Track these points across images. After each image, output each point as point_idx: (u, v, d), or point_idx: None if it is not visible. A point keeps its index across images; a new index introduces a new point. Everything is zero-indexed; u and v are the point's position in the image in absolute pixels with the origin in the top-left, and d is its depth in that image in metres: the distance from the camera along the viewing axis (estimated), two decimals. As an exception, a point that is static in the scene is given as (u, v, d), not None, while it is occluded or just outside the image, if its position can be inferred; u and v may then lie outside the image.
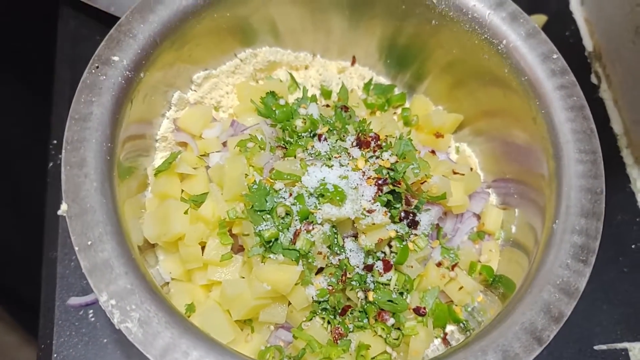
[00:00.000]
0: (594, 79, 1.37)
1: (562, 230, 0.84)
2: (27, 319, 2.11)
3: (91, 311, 1.06)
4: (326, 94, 1.16)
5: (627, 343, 1.12)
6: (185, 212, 0.93)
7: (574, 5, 1.44)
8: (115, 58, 0.88)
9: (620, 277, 1.18)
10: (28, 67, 1.50)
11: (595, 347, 1.11)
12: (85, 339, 1.04)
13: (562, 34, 1.42)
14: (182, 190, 0.99)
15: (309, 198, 0.90)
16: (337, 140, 1.00)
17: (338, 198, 0.89)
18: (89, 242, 0.77)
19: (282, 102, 1.08)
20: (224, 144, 1.05)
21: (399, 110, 1.18)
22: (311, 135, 1.02)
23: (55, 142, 1.19)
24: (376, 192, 0.92)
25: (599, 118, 1.33)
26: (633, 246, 1.20)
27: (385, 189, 0.92)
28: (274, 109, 1.07)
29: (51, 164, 1.17)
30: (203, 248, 0.94)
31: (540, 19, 1.39)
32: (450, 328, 0.99)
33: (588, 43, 1.40)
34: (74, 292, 1.07)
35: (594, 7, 1.40)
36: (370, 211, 0.90)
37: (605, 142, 1.28)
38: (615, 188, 1.26)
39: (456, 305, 1.00)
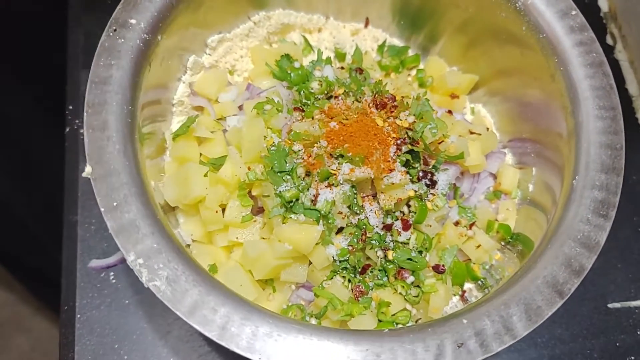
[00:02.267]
0: (609, 40, 1.36)
1: (582, 186, 0.84)
2: (40, 289, 2.14)
3: (112, 273, 1.07)
4: (340, 56, 1.15)
5: (641, 301, 1.13)
6: (205, 175, 0.94)
7: (589, -35, 1.42)
8: (133, 21, 0.88)
9: (635, 236, 1.19)
10: (40, 32, 1.49)
11: (609, 305, 1.13)
12: (107, 300, 1.05)
13: (576, -6, 1.41)
14: (201, 154, 0.99)
15: (328, 158, 0.90)
16: (353, 102, 1.00)
17: (357, 158, 0.89)
18: (115, 204, 0.78)
19: (297, 64, 1.08)
20: (240, 107, 1.05)
21: (414, 72, 1.18)
22: (327, 97, 1.03)
23: (70, 107, 1.19)
24: (395, 152, 0.92)
25: (615, 79, 1.33)
26: (648, 205, 1.21)
27: (404, 148, 0.93)
28: (289, 71, 1.07)
29: (68, 129, 1.17)
30: (223, 210, 0.95)
31: (554, -22, 1.38)
32: (468, 286, 1.01)
33: (603, 3, 1.39)
34: (95, 255, 1.08)
35: (608, -35, 1.38)
36: (390, 170, 0.91)
37: (620, 103, 1.30)
38: (631, 148, 1.24)
39: (474, 263, 1.01)
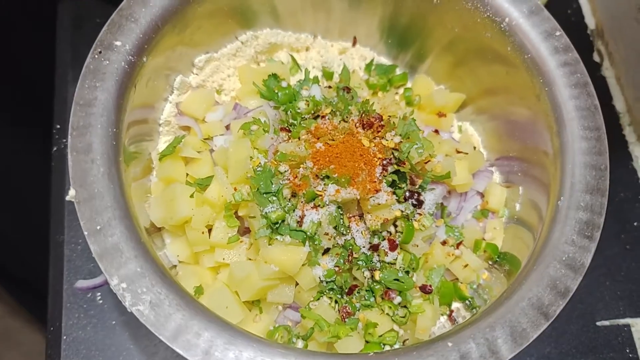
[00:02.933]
0: (596, 57, 1.37)
1: (567, 206, 0.84)
2: (30, 302, 2.13)
3: (99, 294, 1.07)
4: (328, 75, 1.16)
5: (630, 319, 1.13)
6: (191, 196, 0.94)
7: (575, -17, 1.44)
8: (118, 43, 0.88)
9: (623, 253, 1.19)
10: (28, 51, 1.49)
11: (598, 323, 1.12)
12: (93, 321, 1.05)
13: (564, 12, 1.42)
14: (187, 174, 0.99)
15: (314, 179, 0.90)
16: (340, 122, 1.00)
17: (343, 179, 0.89)
18: (98, 227, 0.77)
19: (284, 84, 1.08)
20: (227, 127, 1.05)
21: (401, 90, 1.18)
22: (314, 117, 1.03)
23: (58, 126, 1.19)
24: (381, 172, 0.92)
25: (601, 96, 1.31)
26: (635, 223, 1.21)
27: (390, 169, 0.93)
28: (276, 91, 1.07)
29: (55, 149, 1.17)
30: (209, 231, 0.94)
31: (542, -3, 1.39)
32: (456, 305, 1.01)
33: (590, 21, 1.40)
34: (81, 275, 1.08)
35: (595, -17, 1.39)
36: (376, 191, 0.91)
37: (607, 120, 1.28)
38: (618, 166, 1.27)
39: (462, 282, 1.01)
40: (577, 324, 1.12)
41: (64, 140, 1.17)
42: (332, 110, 1.03)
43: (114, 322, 1.06)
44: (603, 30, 1.36)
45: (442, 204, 1.04)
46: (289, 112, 1.02)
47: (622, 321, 1.13)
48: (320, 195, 0.90)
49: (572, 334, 1.11)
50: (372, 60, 1.19)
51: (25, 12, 1.45)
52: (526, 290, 0.79)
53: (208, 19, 1.03)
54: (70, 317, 1.05)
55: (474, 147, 1.09)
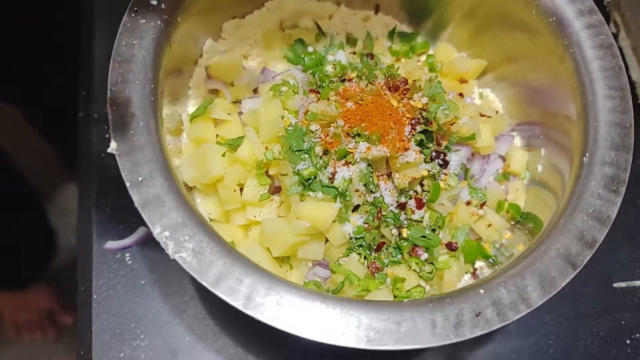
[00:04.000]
0: (612, 28, 1.38)
1: (592, 162, 0.87)
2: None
3: (128, 254, 1.09)
4: (352, 42, 1.17)
5: (646, 280, 1.16)
6: (223, 155, 0.96)
7: (591, -46, 1.45)
8: (154, 2, 0.89)
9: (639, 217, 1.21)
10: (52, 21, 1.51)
11: (615, 285, 1.15)
12: (123, 280, 1.07)
13: (579, -17, 1.43)
14: (217, 135, 1.01)
15: (345, 137, 0.93)
16: (367, 85, 1.02)
17: (374, 137, 0.92)
18: (140, 178, 0.80)
19: (310, 49, 1.10)
20: (255, 90, 1.07)
21: (423, 58, 1.20)
22: (341, 80, 1.05)
23: (84, 93, 1.21)
24: (410, 132, 0.94)
25: None
26: (651, 188, 1.24)
27: (418, 128, 0.95)
28: (302, 56, 1.09)
29: (81, 114, 1.19)
30: (241, 189, 0.97)
31: (558, -31, 1.40)
32: (479, 264, 1.03)
33: (606, -8, 1.42)
34: (110, 237, 1.10)
35: (611, -45, 1.41)
36: (405, 150, 0.93)
37: None
38: (635, 132, 1.29)
39: (485, 242, 1.03)
40: (594, 285, 1.15)
41: (90, 105, 1.19)
42: (358, 74, 1.05)
43: (143, 282, 1.08)
44: (619, 0, 1.38)
45: (465, 165, 1.06)
46: (316, 75, 1.04)
47: (638, 283, 1.16)
48: (352, 153, 0.92)
49: (589, 294, 1.14)
50: (395, 28, 1.21)
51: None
52: (554, 241, 0.82)
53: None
54: (100, 277, 1.08)
55: (496, 112, 1.11)
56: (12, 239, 1.91)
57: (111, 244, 1.09)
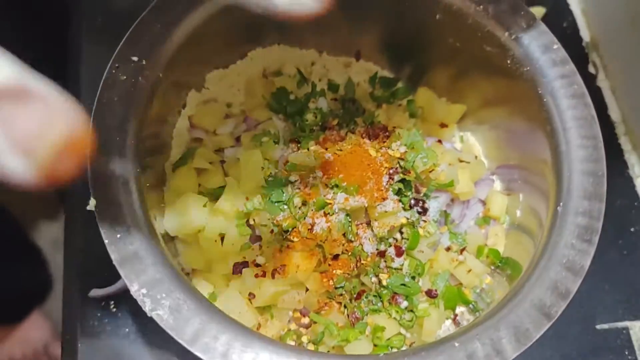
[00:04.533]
0: (591, 69, 1.40)
1: (566, 212, 0.88)
2: None
3: (112, 302, 1.09)
4: (333, 88, 1.19)
5: (628, 322, 1.16)
6: (204, 205, 0.97)
7: (571, -3, 1.48)
8: (135, 58, 0.91)
9: (621, 259, 1.22)
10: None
11: (598, 327, 1.15)
12: (108, 328, 1.07)
13: (559, 25, 1.46)
14: (199, 185, 1.03)
15: (323, 188, 0.94)
16: (347, 133, 1.04)
17: (352, 188, 0.93)
18: (118, 235, 0.81)
19: (292, 97, 1.12)
20: (238, 139, 1.09)
21: (404, 102, 1.22)
22: (322, 128, 1.07)
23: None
24: (388, 181, 0.96)
25: (597, 106, 1.35)
26: (632, 229, 1.25)
27: (396, 177, 0.97)
28: (284, 104, 1.11)
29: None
30: (222, 239, 0.98)
31: (539, 11, 1.43)
32: (460, 309, 1.04)
33: (585, 34, 1.44)
34: (95, 284, 1.10)
35: (589, -2, 1.44)
36: (383, 199, 0.94)
37: (603, 129, 1.32)
38: (614, 174, 1.29)
39: (465, 287, 1.04)
40: (578, 328, 1.15)
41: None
42: (338, 121, 1.07)
43: (127, 330, 1.08)
44: (598, 43, 1.41)
45: (445, 211, 1.08)
46: (297, 124, 1.06)
47: (620, 324, 1.16)
48: (330, 204, 0.93)
49: (573, 337, 1.14)
50: (376, 74, 1.23)
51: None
52: (528, 292, 0.82)
53: (221, 35, 1.06)
54: (85, 326, 1.08)
55: (475, 157, 1.12)
56: (4, 273, 1.91)
57: (96, 292, 1.10)
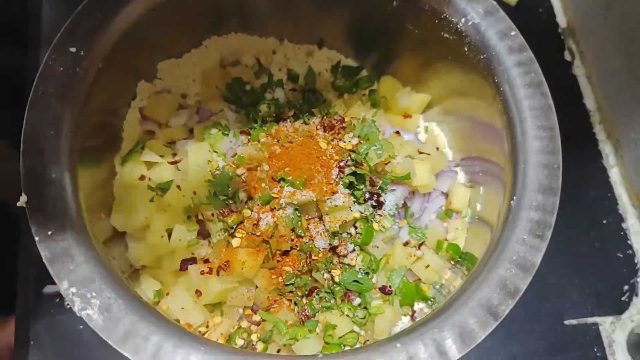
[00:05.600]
0: (567, 56, 1.36)
1: (519, 206, 0.84)
2: None
3: (66, 299, 1.07)
4: (293, 78, 1.16)
5: (598, 317, 1.13)
6: (151, 200, 0.95)
7: (547, -18, 1.43)
8: (73, 49, 0.88)
9: (592, 251, 1.18)
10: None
11: (566, 322, 1.12)
12: (61, 325, 1.05)
13: (536, 10, 1.41)
14: (149, 179, 1.00)
15: (270, 182, 0.91)
16: (301, 124, 1.01)
17: (298, 182, 0.90)
18: (49, 232, 0.78)
19: (248, 87, 1.09)
20: (192, 130, 1.05)
21: (367, 93, 1.18)
22: (277, 119, 1.03)
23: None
24: (338, 174, 0.92)
25: (572, 94, 1.34)
26: (604, 221, 1.21)
27: (347, 170, 0.93)
28: (239, 94, 1.08)
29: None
30: (170, 234, 0.95)
31: (514, -4, 1.39)
32: (419, 306, 1.01)
33: (562, 19, 1.39)
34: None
35: (566, -18, 1.39)
36: (332, 193, 0.91)
37: (578, 118, 1.31)
38: (588, 164, 1.27)
39: (424, 283, 1.01)
40: (545, 323, 1.12)
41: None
42: (294, 112, 1.04)
43: (81, 327, 1.06)
44: (574, 28, 1.36)
45: (405, 204, 1.04)
46: (250, 115, 1.03)
47: (590, 320, 1.13)
48: (277, 198, 0.90)
49: (540, 332, 1.11)
50: (339, 62, 1.20)
51: None
52: (475, 290, 0.79)
53: (172, 22, 1.03)
54: (38, 323, 1.06)
55: (437, 148, 1.09)
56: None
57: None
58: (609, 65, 1.25)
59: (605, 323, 1.13)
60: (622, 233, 1.20)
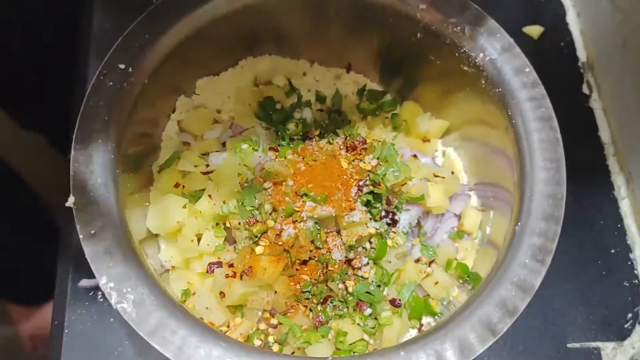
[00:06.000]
0: (585, 89, 1.42)
1: (523, 232, 0.90)
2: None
3: (100, 292, 1.15)
4: (321, 99, 1.24)
5: (600, 342, 1.17)
6: (184, 206, 1.03)
7: (570, 17, 1.49)
8: (122, 66, 0.97)
9: (599, 279, 1.23)
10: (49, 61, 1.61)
11: (569, 345, 1.17)
12: (94, 317, 1.13)
13: (557, 44, 1.47)
14: (183, 186, 1.08)
15: (293, 197, 0.99)
16: (326, 143, 1.08)
17: (320, 197, 0.97)
18: (92, 232, 0.87)
19: (278, 106, 1.17)
20: (224, 144, 1.14)
21: (389, 116, 1.25)
22: (303, 138, 1.11)
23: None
24: (356, 193, 1.00)
25: (588, 127, 1.39)
26: (613, 250, 1.25)
27: (365, 189, 1.01)
28: (270, 112, 1.16)
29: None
30: (200, 239, 1.03)
31: (537, 30, 1.45)
32: (426, 320, 1.07)
33: (582, 54, 1.45)
34: (85, 275, 1.17)
35: (589, 19, 1.44)
36: (350, 209, 0.98)
37: (593, 149, 1.36)
38: (600, 194, 1.32)
39: (432, 298, 1.07)
40: (548, 345, 1.17)
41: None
42: (320, 132, 1.12)
43: (112, 320, 1.14)
44: (593, 63, 1.42)
45: (419, 223, 1.11)
46: (279, 133, 1.11)
47: (592, 344, 1.17)
48: (299, 211, 0.98)
49: (543, 354, 1.16)
50: (365, 86, 1.27)
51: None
52: (477, 307, 0.85)
53: (212, 44, 1.12)
54: (72, 313, 1.14)
55: (452, 172, 1.15)
56: (29, 256, 2.01)
57: (85, 282, 1.16)
58: (623, 101, 1.31)
59: (607, 348, 1.17)
60: (629, 263, 1.25)
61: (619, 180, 1.32)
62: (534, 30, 1.45)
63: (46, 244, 2.15)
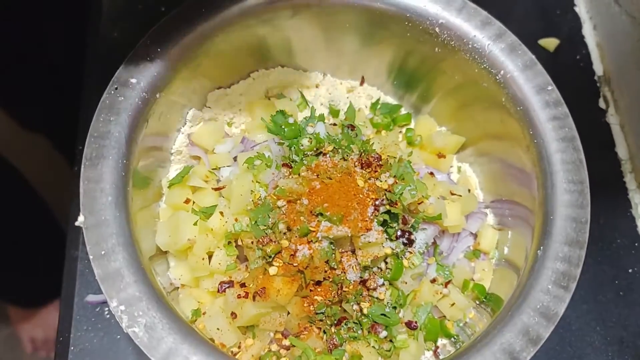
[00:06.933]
0: (602, 104, 1.39)
1: (545, 256, 0.88)
2: None
3: (107, 309, 1.13)
4: (334, 112, 1.21)
5: (618, 364, 1.15)
6: (195, 224, 1.00)
7: (587, 30, 1.47)
8: (133, 80, 0.95)
9: (616, 300, 1.21)
10: (57, 77, 1.59)
11: (586, 367, 1.15)
12: (100, 334, 1.11)
13: (573, 57, 1.45)
14: (193, 202, 1.06)
15: (308, 216, 0.96)
16: (340, 160, 1.06)
17: (335, 217, 0.95)
18: (103, 252, 0.84)
19: (291, 120, 1.14)
20: (235, 158, 1.11)
21: (403, 131, 1.23)
22: (316, 153, 1.08)
23: (80, 147, 1.26)
24: (373, 212, 0.97)
25: (605, 142, 1.37)
26: (630, 270, 1.23)
27: (381, 209, 0.98)
28: (282, 127, 1.13)
29: (76, 168, 1.24)
30: (211, 257, 1.01)
31: (552, 42, 1.43)
32: (442, 342, 1.04)
33: (598, 67, 1.43)
34: (91, 290, 1.14)
35: (605, 32, 1.42)
36: (366, 230, 0.96)
37: (609, 166, 1.34)
38: (617, 212, 1.29)
39: (448, 320, 1.04)
40: (565, 367, 1.15)
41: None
42: (334, 147, 1.09)
43: (118, 337, 1.12)
44: (610, 77, 1.39)
45: (435, 242, 1.08)
46: (292, 148, 1.08)
47: (609, 367, 1.15)
48: (314, 231, 0.95)
49: (560, 376, 1.14)
50: (378, 100, 1.25)
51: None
52: (498, 334, 0.83)
53: (223, 57, 1.10)
54: (78, 329, 1.12)
55: (469, 190, 1.12)
56: (30, 259, 1.99)
57: (92, 298, 1.14)
58: (642, 116, 1.28)
59: (624, 370, 1.15)
60: (647, 283, 1.23)
61: (636, 198, 1.29)
62: (550, 43, 1.42)
63: (46, 244, 2.13)
